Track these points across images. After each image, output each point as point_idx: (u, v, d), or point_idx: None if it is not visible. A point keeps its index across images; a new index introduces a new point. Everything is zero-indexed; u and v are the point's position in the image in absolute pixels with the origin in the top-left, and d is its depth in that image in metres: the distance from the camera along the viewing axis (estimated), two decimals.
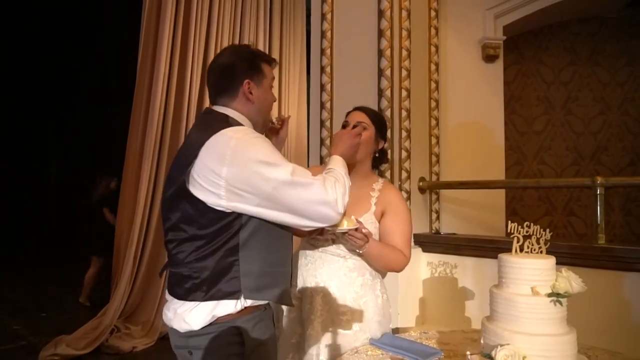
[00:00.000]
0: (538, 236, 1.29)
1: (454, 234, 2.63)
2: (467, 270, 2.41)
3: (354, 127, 1.69)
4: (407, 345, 1.60)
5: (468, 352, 1.30)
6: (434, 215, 2.77)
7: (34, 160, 11.66)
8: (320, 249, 1.71)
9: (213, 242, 1.26)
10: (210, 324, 1.28)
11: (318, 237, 1.71)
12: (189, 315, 1.28)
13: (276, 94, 5.23)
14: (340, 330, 1.66)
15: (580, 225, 4.10)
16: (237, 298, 1.28)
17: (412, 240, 2.53)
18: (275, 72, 5.49)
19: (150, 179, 4.18)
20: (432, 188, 2.71)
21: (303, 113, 5.54)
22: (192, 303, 1.29)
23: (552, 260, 1.24)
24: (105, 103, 9.15)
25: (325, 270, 1.69)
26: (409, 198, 2.55)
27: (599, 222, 2.04)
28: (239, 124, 1.34)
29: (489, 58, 3.13)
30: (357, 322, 1.67)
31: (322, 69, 2.84)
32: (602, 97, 4.27)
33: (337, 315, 1.67)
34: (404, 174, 2.53)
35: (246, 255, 1.28)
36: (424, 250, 2.58)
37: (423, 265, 2.57)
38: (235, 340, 1.30)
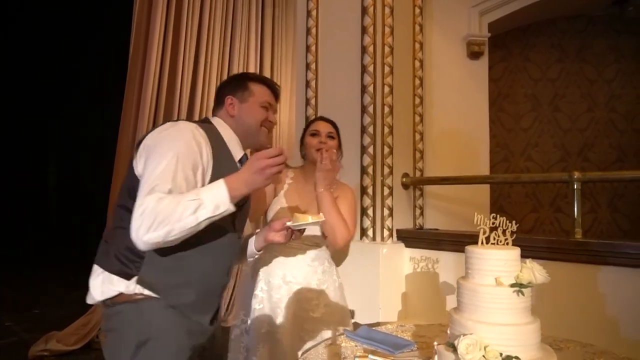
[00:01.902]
0: (504, 228, 1.30)
1: (436, 229, 2.65)
2: (449, 265, 2.43)
3: (328, 137, 1.96)
4: (381, 337, 1.62)
5: (435, 343, 1.32)
6: (418, 211, 2.79)
7: (34, 160, 11.66)
8: (285, 245, 1.83)
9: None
10: (113, 303, 1.31)
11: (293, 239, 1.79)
12: (92, 283, 1.34)
13: None
14: (311, 314, 1.83)
15: (567, 222, 4.10)
16: (128, 279, 1.30)
17: (395, 235, 2.59)
18: (267, 70, 5.39)
19: None
20: (415, 184, 2.73)
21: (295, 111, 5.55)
22: (98, 270, 1.34)
23: (516, 251, 1.26)
24: (106, 103, 9.17)
25: (291, 261, 1.88)
26: (391, 194, 2.57)
27: (576, 216, 2.05)
28: (211, 128, 1.45)
29: (474, 55, 3.16)
30: (323, 305, 1.86)
31: (307, 66, 2.87)
32: (589, 94, 4.29)
33: (306, 301, 1.85)
34: (386, 170, 2.55)
35: None
36: (407, 246, 2.60)
37: (406, 260, 2.59)
38: (134, 326, 1.30)
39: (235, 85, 1.54)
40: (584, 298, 1.96)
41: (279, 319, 1.80)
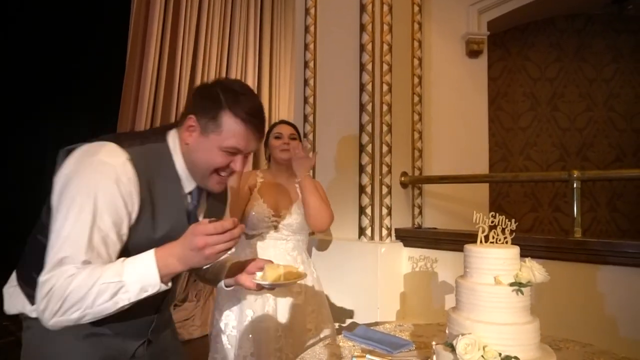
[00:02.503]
0: (503, 226, 1.29)
1: (435, 228, 2.64)
2: (448, 264, 2.42)
3: (291, 139, 2.08)
4: (379, 337, 1.61)
5: (433, 342, 1.31)
6: (417, 210, 2.77)
7: (33, 160, 11.60)
8: (266, 237, 2.02)
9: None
10: (23, 318, 1.17)
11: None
12: (4, 292, 1.21)
13: (266, 91, 5.19)
14: (292, 301, 1.94)
15: (566, 221, 4.12)
16: (32, 303, 1.12)
17: (394, 235, 2.58)
18: (266, 75, 5.38)
19: None
20: (413, 183, 2.71)
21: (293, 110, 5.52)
22: (13, 281, 1.20)
23: (515, 249, 1.24)
24: (105, 102, 9.11)
25: (272, 252, 1.98)
26: (389, 192, 2.55)
27: (575, 215, 2.04)
28: (165, 151, 1.15)
29: (473, 53, 3.14)
30: (303, 293, 1.98)
31: (306, 64, 2.85)
32: (588, 94, 4.29)
33: (289, 289, 1.95)
34: (385, 169, 2.53)
35: None
36: (405, 245, 2.58)
37: (404, 259, 2.58)
38: (37, 348, 1.15)
39: (207, 103, 1.13)
40: (583, 297, 1.94)
41: (265, 309, 1.90)
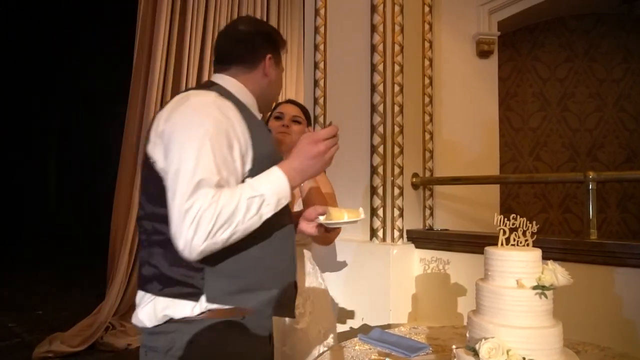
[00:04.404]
0: (524, 228, 1.28)
1: (447, 230, 2.62)
2: (460, 266, 2.40)
3: (293, 121, 1.76)
4: (396, 340, 1.60)
5: (454, 346, 1.29)
6: (428, 212, 2.76)
7: (35, 161, 11.68)
8: None
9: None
10: (166, 323, 1.10)
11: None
12: (142, 311, 1.12)
13: None
14: (294, 325, 1.64)
15: (576, 223, 4.08)
16: (196, 300, 1.07)
17: (405, 236, 2.56)
18: None
19: None
20: (425, 184, 2.70)
21: None
22: (148, 296, 1.12)
23: (538, 252, 1.23)
24: (107, 102, 9.17)
25: None
26: (401, 194, 2.54)
27: (590, 217, 2.02)
28: (228, 93, 1.17)
29: (483, 54, 3.12)
30: (308, 314, 1.68)
31: (316, 65, 2.85)
32: (598, 94, 4.25)
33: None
34: (397, 170, 2.52)
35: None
36: (417, 247, 2.57)
37: (416, 261, 2.56)
38: (190, 348, 1.09)
39: (274, 43, 1.30)
40: (599, 300, 1.92)
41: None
